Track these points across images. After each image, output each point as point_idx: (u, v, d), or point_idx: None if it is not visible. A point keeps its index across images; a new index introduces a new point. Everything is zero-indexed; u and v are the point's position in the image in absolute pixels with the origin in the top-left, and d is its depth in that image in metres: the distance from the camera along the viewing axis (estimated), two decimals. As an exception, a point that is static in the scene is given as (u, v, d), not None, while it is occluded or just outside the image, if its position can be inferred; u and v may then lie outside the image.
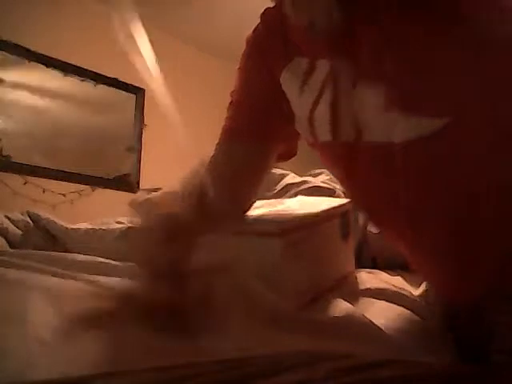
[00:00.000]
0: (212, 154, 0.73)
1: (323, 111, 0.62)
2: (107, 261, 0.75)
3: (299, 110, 0.65)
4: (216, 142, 0.74)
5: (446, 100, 0.52)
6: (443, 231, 0.55)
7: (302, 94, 0.64)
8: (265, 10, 0.70)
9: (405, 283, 0.76)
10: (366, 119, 0.57)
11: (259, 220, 0.64)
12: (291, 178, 1.28)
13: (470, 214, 0.53)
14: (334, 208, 0.76)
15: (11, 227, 1.46)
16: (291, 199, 1.00)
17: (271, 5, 0.65)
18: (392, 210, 0.62)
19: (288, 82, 0.65)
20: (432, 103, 0.52)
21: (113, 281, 0.53)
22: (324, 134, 0.63)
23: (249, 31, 0.72)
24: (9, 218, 1.50)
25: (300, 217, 0.69)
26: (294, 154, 0.77)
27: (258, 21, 0.71)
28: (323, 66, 0.60)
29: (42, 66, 2.89)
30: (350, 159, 0.64)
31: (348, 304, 0.56)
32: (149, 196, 0.81)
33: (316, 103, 0.62)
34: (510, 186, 0.50)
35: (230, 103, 0.74)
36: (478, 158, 0.51)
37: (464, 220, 0.53)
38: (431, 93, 0.53)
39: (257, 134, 0.70)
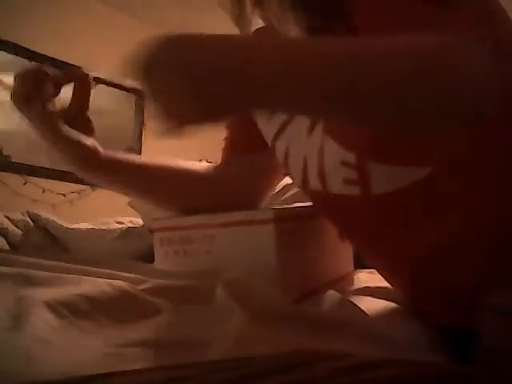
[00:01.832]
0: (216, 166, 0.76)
1: (280, 148, 0.64)
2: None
3: (266, 137, 0.68)
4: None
5: (429, 150, 0.51)
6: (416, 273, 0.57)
7: (268, 123, 0.66)
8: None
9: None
10: (324, 169, 0.58)
11: (253, 211, 0.64)
12: (289, 178, 1.28)
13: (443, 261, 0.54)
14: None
15: (11, 227, 1.46)
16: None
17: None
18: (365, 248, 0.65)
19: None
20: (413, 152, 0.51)
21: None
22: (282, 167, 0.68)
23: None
24: (9, 218, 1.50)
25: (295, 207, 0.69)
26: None
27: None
28: None
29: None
30: (306, 197, 0.68)
31: (348, 301, 0.56)
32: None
33: (276, 138, 0.65)
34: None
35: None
36: (457, 209, 0.51)
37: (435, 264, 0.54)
38: (413, 141, 0.51)
39: (250, 148, 0.73)
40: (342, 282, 0.73)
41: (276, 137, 0.65)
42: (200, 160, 2.65)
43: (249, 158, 0.73)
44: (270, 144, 0.67)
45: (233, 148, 0.75)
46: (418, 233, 0.54)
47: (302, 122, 0.59)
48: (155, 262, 0.68)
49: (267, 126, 0.66)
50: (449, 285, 0.54)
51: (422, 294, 0.59)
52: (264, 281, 0.50)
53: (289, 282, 0.58)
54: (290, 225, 0.62)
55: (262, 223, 0.58)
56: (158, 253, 0.67)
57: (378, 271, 0.69)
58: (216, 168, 0.76)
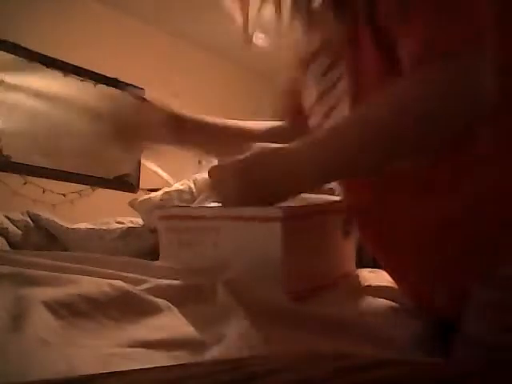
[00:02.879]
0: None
1: (320, 112, 0.66)
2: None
3: (306, 101, 0.71)
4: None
5: None
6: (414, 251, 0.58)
7: (312, 87, 0.68)
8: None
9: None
10: None
11: (261, 207, 0.65)
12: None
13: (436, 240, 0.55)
14: (335, 202, 0.76)
15: (11, 227, 1.46)
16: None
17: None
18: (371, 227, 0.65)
19: (308, 76, 0.71)
20: None
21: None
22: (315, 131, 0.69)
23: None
24: (9, 218, 1.50)
25: (302, 205, 0.70)
26: None
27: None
28: (336, 73, 0.64)
29: (42, 66, 2.89)
30: None
31: (349, 300, 0.56)
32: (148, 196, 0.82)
33: (317, 103, 0.67)
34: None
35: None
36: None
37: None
38: None
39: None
40: (344, 281, 0.73)
41: (316, 103, 0.68)
42: (199, 161, 2.64)
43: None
44: (309, 107, 0.70)
45: (296, 112, 0.79)
46: (421, 208, 0.55)
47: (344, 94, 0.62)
48: (160, 250, 0.69)
49: (308, 91, 0.70)
50: (444, 273, 0.54)
51: (422, 285, 0.59)
52: (266, 279, 0.50)
53: (292, 280, 0.58)
54: (297, 224, 0.62)
55: (269, 221, 0.58)
56: (163, 241, 0.68)
57: (384, 266, 0.69)
58: (279, 129, 0.83)
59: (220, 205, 0.64)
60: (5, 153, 2.71)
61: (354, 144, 0.53)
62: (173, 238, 0.66)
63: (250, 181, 0.57)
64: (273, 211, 0.59)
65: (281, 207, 0.61)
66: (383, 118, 0.51)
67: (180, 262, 0.65)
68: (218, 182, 0.61)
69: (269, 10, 0.62)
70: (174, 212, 0.69)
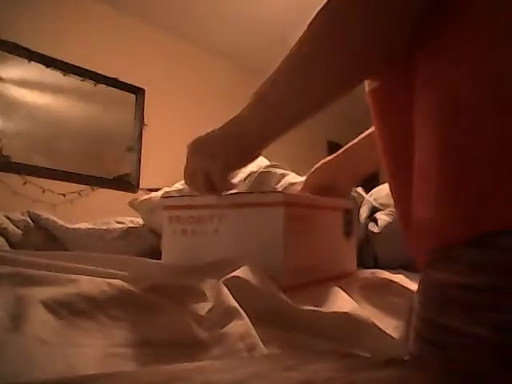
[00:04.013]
0: None
1: None
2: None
3: None
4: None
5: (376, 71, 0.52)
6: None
7: None
8: None
9: (407, 280, 0.76)
10: None
11: (263, 192, 0.65)
12: (292, 177, 1.28)
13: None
14: (337, 200, 0.76)
15: (11, 227, 1.46)
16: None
17: None
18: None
19: None
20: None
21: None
22: None
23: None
24: (9, 218, 1.49)
25: (304, 195, 0.70)
26: None
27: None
28: None
29: (41, 65, 2.89)
30: None
31: (349, 299, 0.56)
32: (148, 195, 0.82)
33: None
34: None
35: None
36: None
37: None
38: None
39: None
40: (344, 279, 0.73)
41: None
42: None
43: None
44: None
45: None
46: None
47: None
48: (162, 241, 0.69)
49: None
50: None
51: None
52: (266, 264, 0.50)
53: (293, 266, 0.58)
54: (299, 210, 0.63)
55: (271, 206, 0.59)
56: (166, 231, 0.69)
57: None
58: None
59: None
60: (5, 153, 2.71)
61: (289, 82, 0.50)
62: (176, 227, 0.67)
63: (198, 152, 0.61)
64: (275, 196, 0.60)
65: (283, 193, 0.61)
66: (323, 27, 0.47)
67: (182, 250, 0.65)
68: (187, 160, 0.64)
69: None
70: (179, 202, 0.70)
